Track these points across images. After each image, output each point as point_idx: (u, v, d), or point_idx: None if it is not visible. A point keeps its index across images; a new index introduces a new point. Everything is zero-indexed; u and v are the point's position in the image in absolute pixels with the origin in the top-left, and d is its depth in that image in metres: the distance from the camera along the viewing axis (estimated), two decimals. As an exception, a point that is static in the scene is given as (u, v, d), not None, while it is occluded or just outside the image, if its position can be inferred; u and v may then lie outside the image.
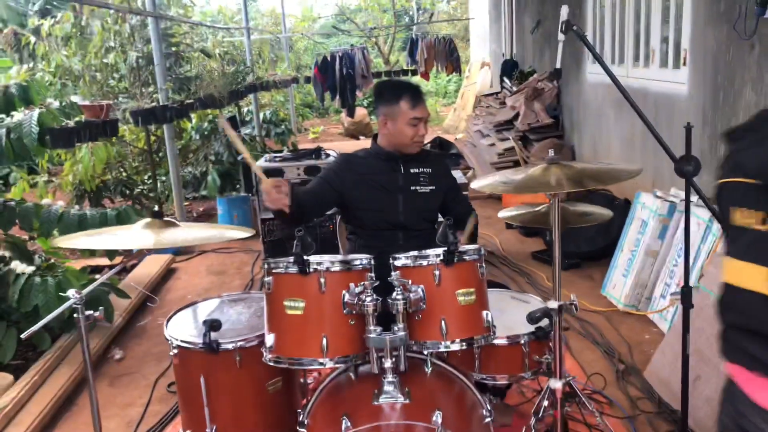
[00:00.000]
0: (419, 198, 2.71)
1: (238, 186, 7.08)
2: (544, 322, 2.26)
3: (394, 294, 1.93)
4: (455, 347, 1.98)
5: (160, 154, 7.35)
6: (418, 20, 15.97)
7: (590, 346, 3.68)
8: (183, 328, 2.42)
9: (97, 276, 4.41)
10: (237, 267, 5.57)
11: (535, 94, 7.68)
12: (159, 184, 7.28)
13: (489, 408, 2.00)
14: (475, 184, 2.06)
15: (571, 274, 4.81)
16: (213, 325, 2.24)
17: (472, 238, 2.84)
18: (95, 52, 6.73)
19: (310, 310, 1.96)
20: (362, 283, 1.96)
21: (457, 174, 5.29)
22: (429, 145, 9.60)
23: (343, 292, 1.97)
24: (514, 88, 8.64)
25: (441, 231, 1.97)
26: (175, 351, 2.35)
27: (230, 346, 2.27)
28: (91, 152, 5.23)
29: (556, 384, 2.13)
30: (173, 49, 7.14)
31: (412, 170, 2.72)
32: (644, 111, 4.90)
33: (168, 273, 5.47)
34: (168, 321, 2.50)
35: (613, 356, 3.51)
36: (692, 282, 3.50)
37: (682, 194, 3.94)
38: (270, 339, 2.03)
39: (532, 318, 2.23)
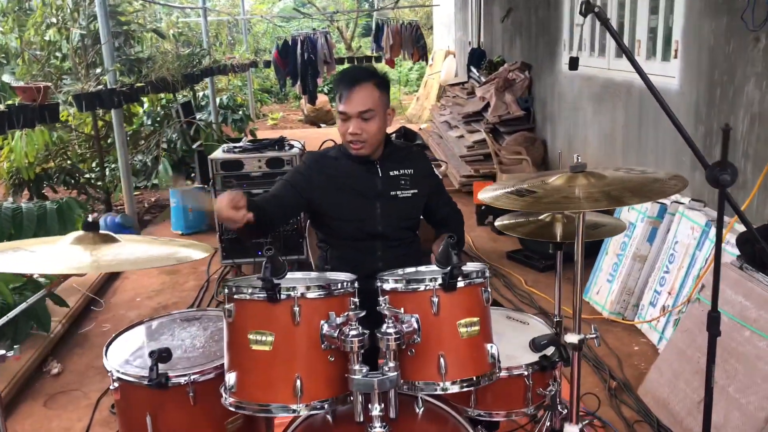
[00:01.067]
0: (400, 204, 2.37)
1: (193, 175, 6.61)
2: (550, 350, 1.96)
3: (384, 327, 1.59)
4: (455, 389, 1.65)
5: (109, 140, 6.82)
6: (381, 5, 15.54)
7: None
8: (126, 356, 2.04)
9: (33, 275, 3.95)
10: (191, 266, 5.13)
11: (506, 85, 7.41)
12: (108, 173, 6.77)
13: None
14: (481, 195, 1.73)
15: (549, 276, 4.55)
16: (162, 356, 1.87)
17: (461, 242, 2.53)
18: (35, 29, 6.17)
19: (280, 345, 1.61)
20: (345, 313, 1.61)
21: (429, 168, 4.96)
22: (394, 135, 9.26)
23: (321, 322, 1.63)
24: (483, 79, 8.36)
25: (442, 250, 1.63)
26: (116, 385, 1.97)
27: (182, 380, 1.90)
28: (25, 138, 4.72)
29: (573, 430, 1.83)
30: (123, 28, 6.60)
31: (391, 173, 2.37)
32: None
33: (115, 272, 5.01)
34: (108, 346, 2.11)
35: (604, 371, 3.25)
36: (687, 294, 3.26)
37: (679, 197, 3.72)
38: (231, 378, 1.67)
39: (536, 345, 1.93)
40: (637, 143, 4.55)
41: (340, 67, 10.84)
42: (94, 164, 6.92)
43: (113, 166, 6.97)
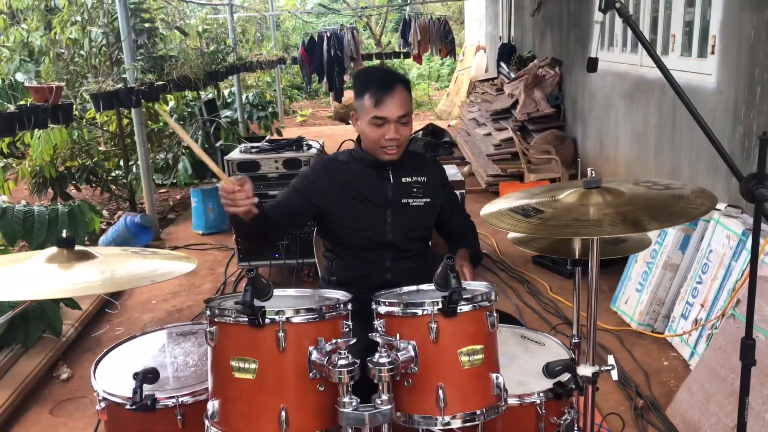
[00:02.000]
0: (411, 213, 2.23)
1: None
2: (565, 376, 1.80)
3: (377, 356, 1.45)
4: (456, 424, 1.51)
5: (135, 138, 6.80)
6: (411, 0, 15.34)
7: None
8: (115, 375, 1.94)
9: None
10: (209, 267, 5.07)
11: (536, 82, 7.18)
12: (133, 171, 6.74)
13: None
14: (483, 212, 1.57)
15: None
16: (147, 377, 1.76)
17: (478, 258, 2.37)
18: (61, 27, 6.16)
19: (264, 373, 1.48)
20: (335, 340, 1.48)
21: (451, 169, 4.81)
22: (420, 132, 9.09)
23: (310, 349, 1.50)
24: (513, 75, 8.14)
25: (440, 273, 1.49)
26: (102, 405, 1.87)
27: (170, 403, 1.79)
28: (43, 137, 4.69)
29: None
30: (146, 25, 6.55)
31: (404, 179, 2.23)
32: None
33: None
34: (97, 364, 2.02)
35: (630, 388, 3.06)
36: (721, 307, 3.05)
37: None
38: (213, 406, 1.55)
39: (550, 372, 1.76)
40: (670, 144, 4.32)
41: (366, 64, 10.70)
42: (119, 162, 6.91)
43: (137, 164, 6.95)
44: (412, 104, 2.20)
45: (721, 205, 3.42)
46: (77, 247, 1.53)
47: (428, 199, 2.26)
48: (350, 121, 2.29)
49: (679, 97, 1.48)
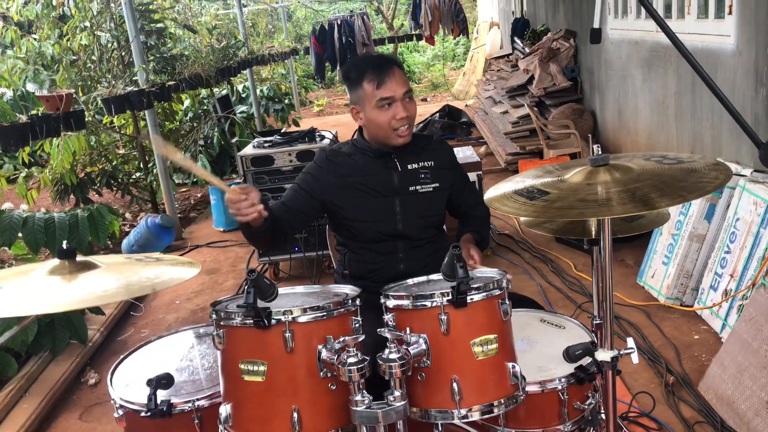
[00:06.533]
0: (421, 200, 2.18)
1: (236, 169, 6.54)
2: (586, 359, 1.74)
3: (386, 353, 1.42)
4: (474, 416, 1.47)
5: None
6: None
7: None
8: (134, 380, 1.94)
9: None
10: (231, 263, 5.09)
11: (550, 55, 7.04)
12: (153, 172, 6.77)
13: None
14: (487, 196, 1.52)
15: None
16: (161, 383, 1.75)
17: (485, 242, 2.31)
18: (72, 34, 6.19)
19: (273, 375, 1.45)
20: (343, 338, 1.44)
21: (467, 151, 4.74)
22: (437, 114, 9.00)
23: (319, 347, 1.46)
24: (527, 50, 7.99)
25: (447, 263, 1.44)
26: (120, 413, 1.87)
27: (186, 407, 1.78)
28: (62, 145, 4.72)
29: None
30: (154, 26, 6.55)
31: (410, 166, 2.18)
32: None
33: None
34: (114, 369, 2.02)
35: (660, 364, 2.99)
36: (751, 277, 2.96)
37: (739, 168, 3.39)
38: (225, 410, 1.53)
39: (571, 356, 1.71)
40: (691, 110, 4.19)
41: (379, 49, 10.60)
42: (139, 164, 6.95)
43: (156, 165, 6.99)
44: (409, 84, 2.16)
45: (746, 171, 3.31)
46: (79, 258, 1.51)
47: (437, 184, 2.21)
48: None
49: (691, 65, 1.40)
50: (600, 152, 1.38)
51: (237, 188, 1.82)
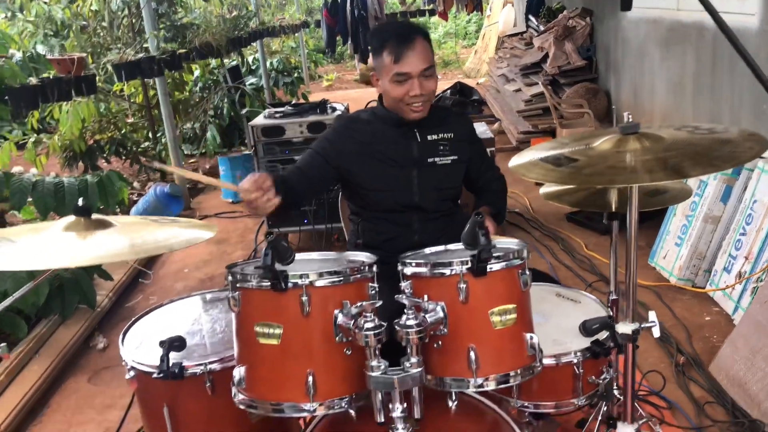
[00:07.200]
0: (439, 172, 2.15)
1: (246, 140, 6.50)
2: (603, 334, 1.72)
3: (404, 318, 1.40)
4: (490, 386, 1.45)
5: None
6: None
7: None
8: (143, 343, 1.93)
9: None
10: (240, 234, 5.07)
11: (566, 33, 6.94)
12: (162, 141, 6.74)
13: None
14: (512, 163, 1.49)
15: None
16: (173, 345, 1.74)
17: (501, 216, 2.28)
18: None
19: (289, 338, 1.44)
20: (360, 303, 1.42)
21: (480, 127, 4.68)
22: (449, 92, 8.92)
23: (335, 312, 1.45)
24: (542, 27, 7.88)
25: (468, 230, 1.41)
26: (132, 374, 1.86)
27: (198, 370, 1.77)
28: (71, 111, 4.69)
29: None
30: (167, -8, 6.48)
31: (429, 137, 2.14)
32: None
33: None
34: (125, 333, 2.01)
35: (670, 344, 2.97)
36: (766, 260, 2.92)
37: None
38: (239, 372, 1.52)
39: (587, 330, 1.69)
40: (710, 91, 4.13)
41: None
42: (148, 133, 6.92)
43: (165, 134, 6.95)
44: (433, 56, 2.09)
45: (766, 153, 3.26)
46: (94, 216, 1.49)
47: (455, 156, 2.17)
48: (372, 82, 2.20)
49: (731, 42, 1.36)
50: (631, 120, 1.35)
51: (249, 185, 1.76)
